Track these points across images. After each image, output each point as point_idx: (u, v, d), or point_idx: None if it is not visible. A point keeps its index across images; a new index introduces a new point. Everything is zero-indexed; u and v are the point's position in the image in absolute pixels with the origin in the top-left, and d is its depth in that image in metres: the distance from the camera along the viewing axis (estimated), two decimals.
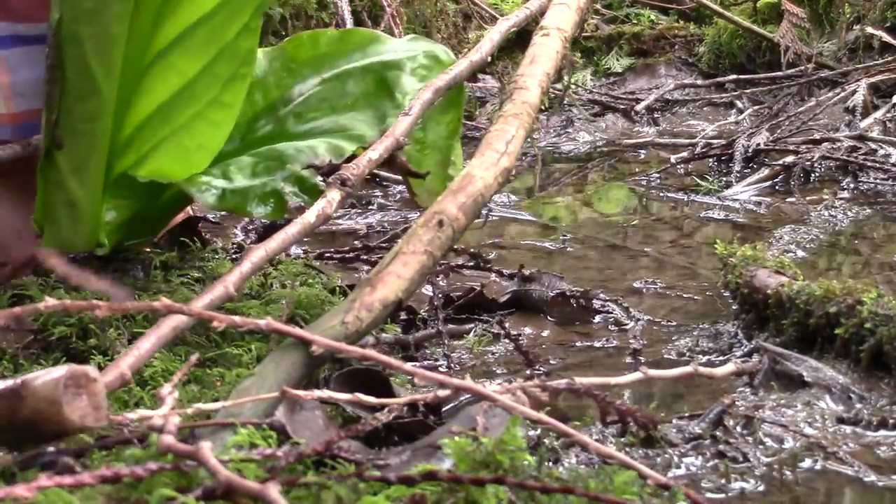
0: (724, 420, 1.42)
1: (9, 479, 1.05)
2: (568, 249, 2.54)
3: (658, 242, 2.59)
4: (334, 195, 1.52)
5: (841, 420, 1.45)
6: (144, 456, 1.02)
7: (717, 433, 1.39)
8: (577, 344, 1.85)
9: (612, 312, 1.98)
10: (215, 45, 1.65)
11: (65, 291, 1.58)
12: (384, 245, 2.36)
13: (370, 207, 2.99)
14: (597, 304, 2.00)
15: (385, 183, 3.16)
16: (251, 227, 2.57)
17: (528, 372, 1.67)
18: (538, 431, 1.30)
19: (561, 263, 2.42)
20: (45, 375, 1.04)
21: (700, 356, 1.75)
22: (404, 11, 4.28)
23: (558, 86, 2.95)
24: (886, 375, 1.55)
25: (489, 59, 1.95)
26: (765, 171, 3.15)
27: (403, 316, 1.87)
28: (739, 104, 4.16)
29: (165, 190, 1.72)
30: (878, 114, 3.52)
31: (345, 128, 1.77)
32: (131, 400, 1.33)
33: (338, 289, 1.76)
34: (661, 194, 3.13)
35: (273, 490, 0.92)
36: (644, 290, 2.16)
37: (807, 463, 1.35)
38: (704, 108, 4.26)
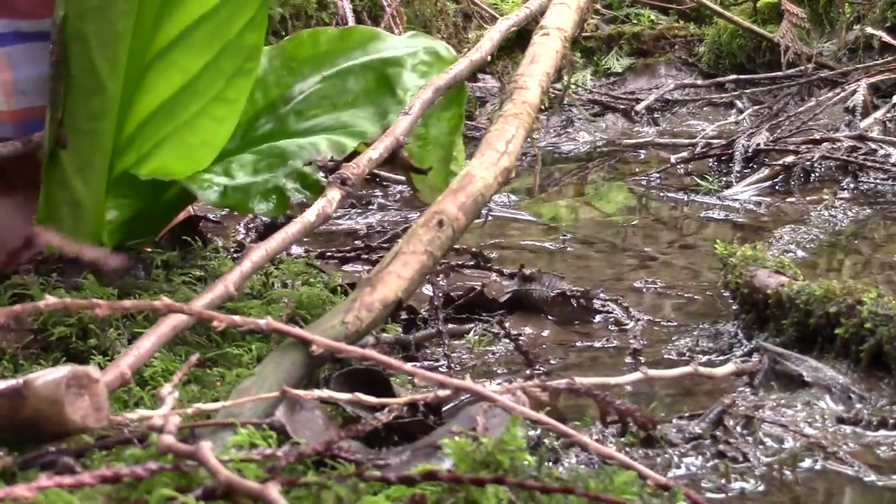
0: (724, 420, 1.42)
1: (9, 478, 1.05)
2: (568, 249, 2.54)
3: (658, 242, 2.59)
4: (334, 194, 1.52)
5: (841, 420, 1.45)
6: (144, 456, 1.02)
7: (717, 433, 1.39)
8: (578, 344, 1.85)
9: (612, 312, 1.98)
10: (219, 40, 1.65)
11: (65, 291, 1.58)
12: (385, 244, 2.36)
13: (370, 207, 2.99)
14: (597, 304, 2.00)
15: (385, 183, 3.16)
16: (252, 224, 2.57)
17: (528, 372, 1.67)
18: (538, 431, 1.30)
19: (561, 263, 2.42)
20: (47, 375, 1.04)
21: (700, 356, 1.75)
22: (404, 11, 4.29)
23: (558, 85, 2.95)
24: (886, 375, 1.55)
25: (489, 58, 1.95)
26: (765, 171, 3.15)
27: (404, 315, 1.87)
28: (739, 104, 4.16)
29: (167, 188, 1.71)
30: (878, 114, 3.52)
31: (346, 125, 1.77)
32: (131, 400, 1.33)
33: (339, 288, 1.76)
34: (661, 194, 3.13)
35: (273, 490, 0.92)
36: (644, 290, 2.16)
37: (807, 463, 1.35)
38: (704, 108, 4.26)
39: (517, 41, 3.88)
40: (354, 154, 1.66)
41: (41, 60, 1.63)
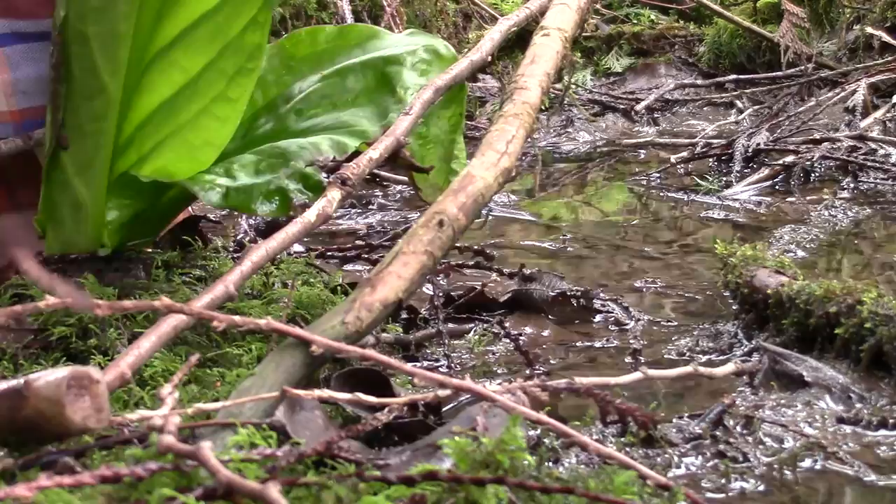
0: (724, 420, 1.42)
1: (9, 479, 1.05)
2: (568, 249, 2.54)
3: (658, 242, 2.59)
4: (334, 194, 1.52)
5: (841, 420, 1.45)
6: (144, 456, 1.02)
7: (717, 433, 1.39)
8: (578, 344, 1.85)
9: (612, 312, 1.98)
10: (220, 40, 1.64)
11: None
12: (385, 244, 2.36)
13: (370, 207, 2.99)
14: (597, 303, 2.00)
15: (385, 183, 3.16)
16: (252, 221, 2.57)
17: (528, 372, 1.67)
18: (538, 431, 1.30)
19: (561, 263, 2.42)
20: (48, 376, 1.03)
21: (700, 356, 1.75)
22: (404, 11, 4.29)
23: (558, 86, 2.95)
24: (886, 375, 1.55)
25: (489, 58, 1.95)
26: (765, 171, 3.15)
27: (404, 315, 1.87)
28: (739, 104, 4.16)
29: (168, 189, 1.71)
30: (878, 114, 3.52)
31: (347, 124, 1.77)
32: (131, 400, 1.33)
33: (339, 288, 1.76)
34: (661, 194, 3.13)
35: (273, 490, 0.92)
36: (644, 289, 2.16)
37: (807, 463, 1.35)
38: (704, 108, 4.26)
39: (517, 41, 3.88)
40: (356, 154, 1.66)
41: (41, 60, 1.63)
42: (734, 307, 1.92)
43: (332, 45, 1.87)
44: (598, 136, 4.03)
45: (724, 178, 3.16)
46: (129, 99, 1.62)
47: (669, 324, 1.93)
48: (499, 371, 1.72)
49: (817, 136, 3.38)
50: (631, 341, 1.82)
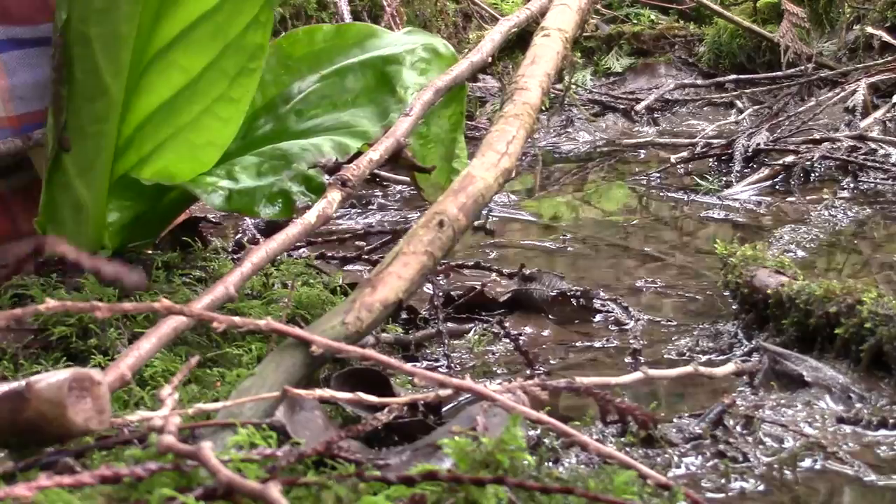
0: (724, 420, 1.42)
1: (9, 478, 1.05)
2: (568, 249, 2.54)
3: (658, 242, 2.59)
4: (335, 196, 1.52)
5: (841, 420, 1.45)
6: (144, 456, 1.02)
7: (717, 433, 1.39)
8: (578, 344, 1.85)
9: (612, 312, 1.98)
10: (221, 40, 1.64)
11: (66, 292, 1.58)
12: (386, 243, 2.37)
13: (370, 207, 2.99)
14: (597, 303, 2.00)
15: (385, 183, 3.16)
16: (253, 221, 2.57)
17: (528, 372, 1.67)
18: (538, 431, 1.30)
19: (561, 263, 2.42)
20: (49, 378, 1.04)
21: (700, 356, 1.75)
22: (404, 11, 4.29)
23: (559, 86, 2.95)
24: (886, 375, 1.55)
25: (490, 59, 1.95)
26: (765, 171, 3.15)
27: (404, 315, 1.87)
28: (739, 104, 4.16)
29: (169, 191, 1.71)
30: (878, 113, 3.52)
31: (347, 124, 1.76)
32: (131, 400, 1.33)
33: (339, 288, 1.76)
34: (662, 194, 3.13)
35: (274, 490, 0.92)
36: (644, 289, 2.16)
37: (807, 463, 1.35)
38: (704, 108, 4.26)
39: (518, 41, 3.89)
40: (357, 154, 1.66)
41: (37, 66, 1.63)
42: (734, 307, 1.92)
43: (330, 44, 1.87)
44: (598, 136, 4.03)
45: (724, 178, 3.16)
46: (128, 100, 1.62)
47: (669, 324, 1.93)
48: (499, 371, 1.72)
49: (817, 136, 3.38)
50: (631, 341, 1.82)
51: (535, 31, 2.00)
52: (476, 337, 1.85)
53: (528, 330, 1.91)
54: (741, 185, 3.09)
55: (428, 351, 1.76)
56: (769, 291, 1.77)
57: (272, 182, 1.63)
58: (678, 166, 3.36)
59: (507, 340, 1.79)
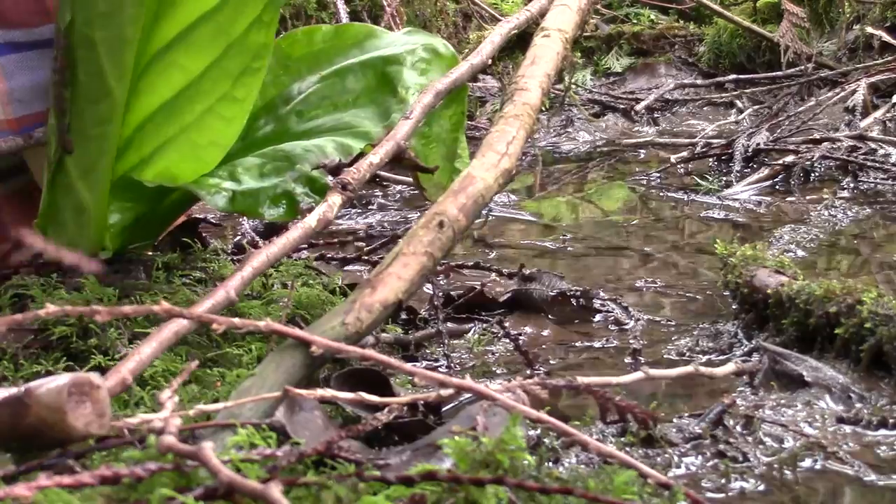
0: (724, 420, 1.42)
1: (9, 478, 1.05)
2: (568, 249, 2.54)
3: (658, 242, 2.59)
4: (335, 199, 1.52)
5: (841, 420, 1.45)
6: (144, 457, 1.02)
7: (717, 433, 1.39)
8: (577, 344, 1.85)
9: (612, 312, 1.98)
10: (223, 40, 1.64)
11: (66, 292, 1.58)
12: (386, 242, 2.37)
13: (370, 207, 2.99)
14: (597, 303, 2.00)
15: (385, 183, 3.16)
16: (251, 223, 2.57)
17: (528, 372, 1.67)
18: (538, 431, 1.30)
19: (561, 263, 2.42)
20: (49, 383, 1.04)
21: (700, 356, 1.75)
22: (404, 11, 4.29)
23: (559, 86, 2.95)
24: (886, 375, 1.55)
25: (489, 61, 1.95)
26: (765, 171, 3.15)
27: (404, 315, 1.87)
28: (739, 104, 4.16)
29: (170, 193, 1.71)
30: (878, 113, 3.52)
31: (349, 125, 1.76)
32: (132, 400, 1.33)
33: (338, 289, 1.76)
34: (662, 194, 3.13)
35: (275, 490, 0.92)
36: (644, 289, 2.16)
37: (807, 462, 1.35)
38: (704, 108, 4.26)
39: (518, 42, 3.88)
40: (359, 156, 1.66)
41: (36, 69, 1.63)
42: (734, 307, 1.92)
43: (330, 44, 1.87)
44: (598, 135, 4.03)
45: (724, 178, 3.16)
46: (127, 100, 1.62)
47: (669, 324, 1.93)
48: (498, 371, 1.72)
49: (817, 135, 3.38)
50: (631, 341, 1.82)
51: (535, 32, 2.01)
52: (476, 337, 1.85)
53: (527, 330, 1.92)
54: (741, 184, 3.09)
55: (428, 351, 1.76)
56: (769, 291, 1.77)
57: (276, 183, 1.63)
58: (678, 166, 3.36)
59: (507, 340, 1.79)
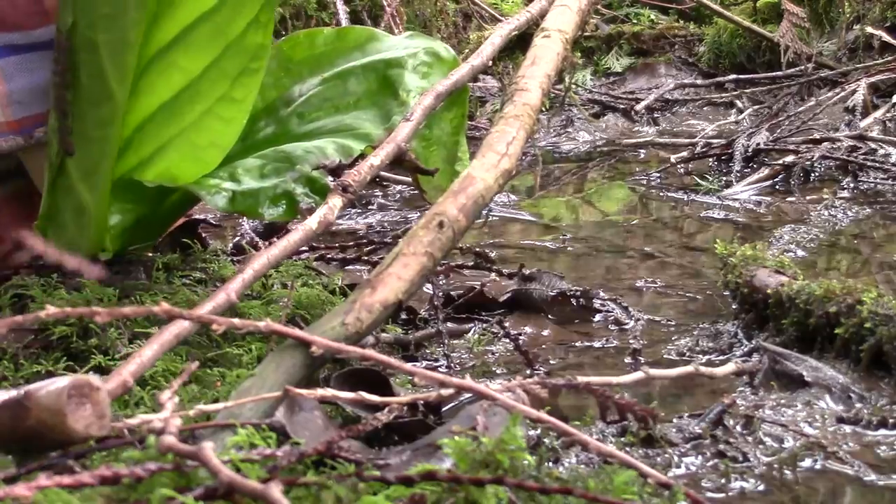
0: (724, 420, 1.42)
1: (10, 480, 1.05)
2: (568, 249, 2.54)
3: (658, 242, 2.59)
4: (336, 201, 1.53)
5: (841, 420, 1.45)
6: (144, 457, 1.02)
7: (717, 433, 1.39)
8: (577, 344, 1.85)
9: (612, 312, 1.98)
10: (221, 40, 1.64)
11: (66, 292, 1.58)
12: (386, 242, 2.37)
13: (370, 207, 2.99)
14: (597, 303, 2.00)
15: (385, 183, 3.17)
16: (251, 224, 2.57)
17: (528, 372, 1.67)
18: (538, 431, 1.30)
19: (561, 263, 2.42)
20: (49, 386, 1.04)
21: (700, 356, 1.75)
22: (404, 11, 4.29)
23: (559, 86, 2.95)
24: (886, 375, 1.55)
25: (490, 63, 1.95)
26: (765, 171, 3.15)
27: (404, 315, 1.87)
28: (739, 104, 4.16)
29: (170, 194, 1.71)
30: (878, 113, 3.52)
31: (350, 127, 1.77)
32: (132, 400, 1.33)
33: (338, 289, 1.76)
34: (662, 194, 3.13)
35: (275, 490, 0.92)
36: (644, 289, 2.16)
37: (807, 462, 1.35)
38: (704, 108, 4.26)
39: (518, 42, 3.87)
40: (361, 156, 1.66)
41: (35, 71, 1.63)
42: (734, 307, 1.92)
43: (331, 47, 1.87)
44: (598, 135, 4.03)
45: (724, 178, 3.16)
46: (127, 101, 1.62)
47: (669, 324, 1.93)
48: (498, 371, 1.72)
49: (817, 135, 3.38)
50: (631, 341, 1.82)
51: (536, 32, 2.01)
52: (476, 337, 1.85)
53: (527, 330, 1.92)
54: (741, 184, 3.09)
55: (428, 351, 1.76)
56: (769, 291, 1.77)
57: (276, 184, 1.64)
58: (678, 166, 3.36)
59: (507, 340, 1.79)
